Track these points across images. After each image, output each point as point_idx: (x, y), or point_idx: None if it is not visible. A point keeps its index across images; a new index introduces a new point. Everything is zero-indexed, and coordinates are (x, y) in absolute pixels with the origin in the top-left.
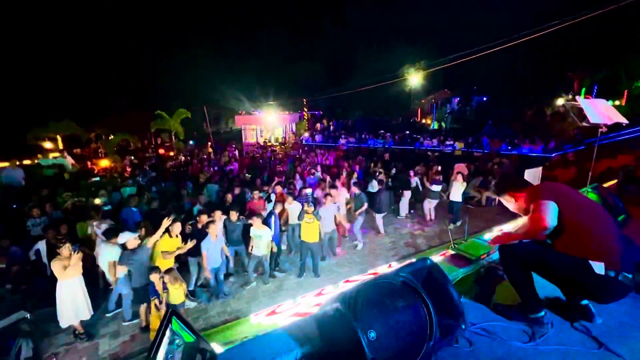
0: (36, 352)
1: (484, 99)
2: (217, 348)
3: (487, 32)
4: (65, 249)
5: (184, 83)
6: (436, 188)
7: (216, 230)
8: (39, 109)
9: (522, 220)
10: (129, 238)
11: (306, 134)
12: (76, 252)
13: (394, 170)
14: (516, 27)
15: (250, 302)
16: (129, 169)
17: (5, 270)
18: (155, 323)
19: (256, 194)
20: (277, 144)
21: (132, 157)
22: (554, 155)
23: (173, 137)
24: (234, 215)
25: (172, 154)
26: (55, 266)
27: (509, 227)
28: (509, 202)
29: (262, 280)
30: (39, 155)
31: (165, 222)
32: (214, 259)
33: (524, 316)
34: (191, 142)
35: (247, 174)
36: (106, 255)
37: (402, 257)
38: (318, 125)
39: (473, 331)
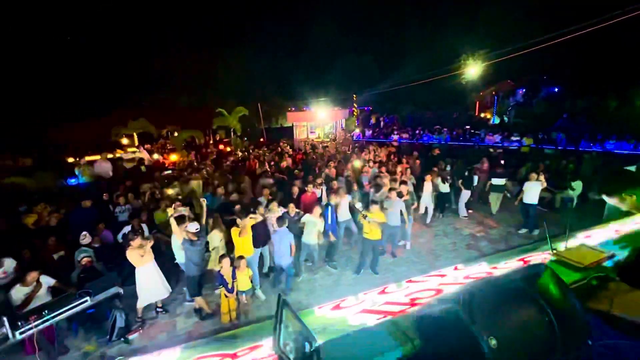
0: (127, 324)
1: (556, 89)
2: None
3: (559, 14)
4: (137, 240)
5: (238, 81)
6: (498, 181)
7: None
8: (118, 110)
9: None
10: (193, 228)
11: (357, 130)
12: (149, 240)
13: (448, 168)
14: (597, 7)
15: (309, 295)
16: (195, 164)
17: (100, 250)
18: (225, 307)
19: (310, 187)
20: (329, 139)
21: (196, 152)
22: None
23: (232, 133)
24: (292, 209)
25: (228, 149)
26: (131, 255)
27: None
28: (622, 201)
29: (312, 272)
30: (119, 151)
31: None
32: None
33: None
34: (245, 139)
35: (299, 170)
36: (176, 239)
37: (465, 259)
38: (374, 117)
39: (596, 349)
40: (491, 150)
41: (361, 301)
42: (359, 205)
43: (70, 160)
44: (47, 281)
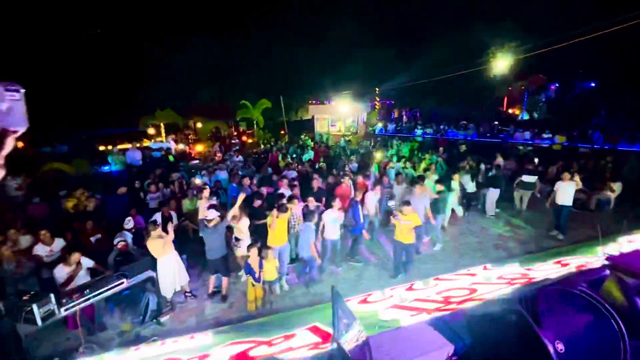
0: (159, 306)
1: (592, 84)
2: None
3: (596, 4)
4: (156, 230)
5: (260, 74)
6: (529, 179)
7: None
8: (146, 101)
9: None
10: (210, 215)
11: (379, 124)
12: (167, 232)
13: (482, 166)
14: None
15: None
16: (219, 155)
17: (133, 235)
18: (251, 295)
19: (346, 179)
20: (350, 133)
21: (219, 143)
22: None
23: (255, 125)
24: (312, 202)
25: (250, 140)
26: (152, 246)
27: None
28: None
29: (335, 264)
30: (145, 140)
31: (240, 197)
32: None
33: None
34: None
35: (322, 163)
36: None
37: (492, 259)
38: (396, 111)
39: None
40: (520, 147)
41: (389, 296)
42: (391, 203)
43: (102, 148)
44: (86, 262)
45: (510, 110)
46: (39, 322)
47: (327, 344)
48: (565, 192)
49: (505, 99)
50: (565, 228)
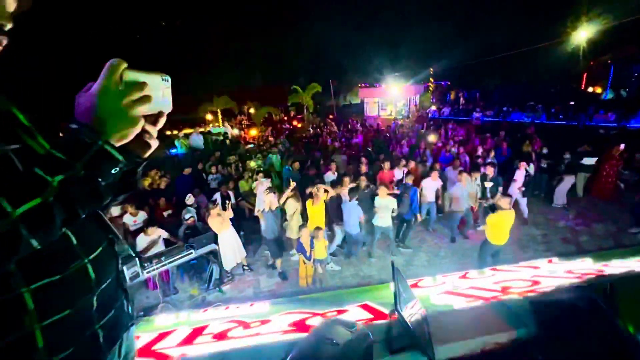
0: (221, 276)
1: None
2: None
3: None
4: (215, 208)
5: (310, 57)
6: (589, 161)
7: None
8: (204, 88)
9: None
10: (271, 199)
11: (433, 107)
12: (226, 209)
13: (545, 150)
14: None
15: (380, 271)
16: (271, 139)
17: (197, 211)
18: (302, 272)
19: (387, 164)
20: (401, 117)
21: (271, 128)
22: None
23: (305, 110)
24: (363, 181)
25: (300, 125)
26: (212, 222)
27: None
28: None
29: (385, 250)
30: (205, 126)
31: (290, 187)
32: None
33: None
34: (315, 116)
35: (370, 148)
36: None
37: (558, 253)
38: (452, 93)
39: None
40: (602, 131)
41: (441, 283)
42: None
43: (168, 133)
44: (162, 234)
45: (590, 89)
46: (128, 281)
47: (380, 320)
48: None
49: (585, 76)
50: None
